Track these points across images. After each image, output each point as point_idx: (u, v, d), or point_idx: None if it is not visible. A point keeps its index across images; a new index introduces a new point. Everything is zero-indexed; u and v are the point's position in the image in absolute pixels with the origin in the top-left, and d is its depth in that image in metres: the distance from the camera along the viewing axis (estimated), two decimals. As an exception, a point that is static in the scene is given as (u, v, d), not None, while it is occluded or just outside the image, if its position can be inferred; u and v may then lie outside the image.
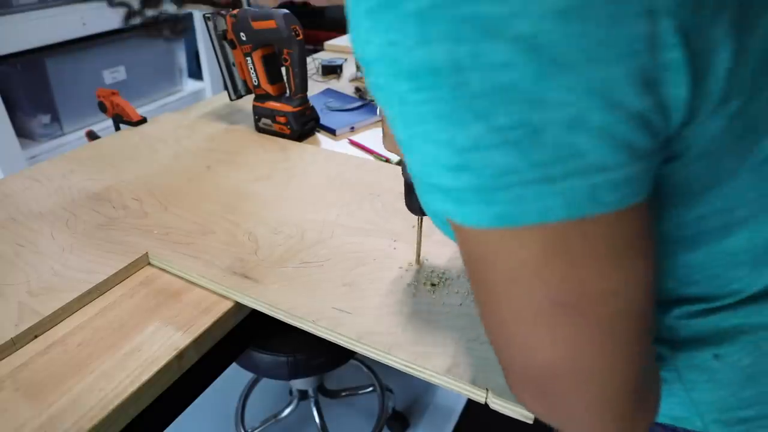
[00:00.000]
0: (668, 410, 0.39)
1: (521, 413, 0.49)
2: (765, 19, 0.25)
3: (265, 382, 1.58)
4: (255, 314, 0.68)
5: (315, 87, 1.38)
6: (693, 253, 0.32)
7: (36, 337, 0.61)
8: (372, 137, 1.10)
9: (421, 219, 0.64)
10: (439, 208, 0.27)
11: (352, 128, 1.13)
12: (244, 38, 1.03)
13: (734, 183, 0.29)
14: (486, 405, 0.51)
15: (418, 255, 0.67)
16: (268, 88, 1.07)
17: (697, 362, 0.36)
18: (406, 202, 0.61)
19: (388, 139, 0.52)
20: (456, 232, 0.28)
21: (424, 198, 0.28)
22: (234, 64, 1.09)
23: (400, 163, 0.56)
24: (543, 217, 0.24)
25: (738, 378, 0.35)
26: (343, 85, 1.42)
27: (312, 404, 1.36)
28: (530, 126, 0.22)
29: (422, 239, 0.66)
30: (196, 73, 2.18)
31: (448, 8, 0.22)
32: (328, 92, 1.34)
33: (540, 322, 0.27)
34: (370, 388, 1.50)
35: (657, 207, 0.30)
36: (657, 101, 0.23)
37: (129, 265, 0.70)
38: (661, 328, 0.37)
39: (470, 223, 0.26)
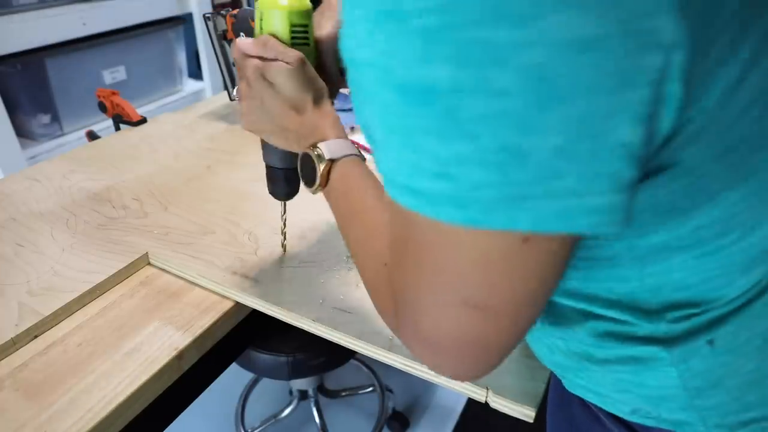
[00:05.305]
0: (669, 414, 0.38)
1: (522, 412, 0.49)
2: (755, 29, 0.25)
3: (265, 382, 1.58)
4: (255, 314, 0.68)
5: (315, 87, 1.37)
6: (693, 258, 0.33)
7: (36, 337, 0.61)
8: (372, 137, 1.09)
9: (285, 204, 0.66)
10: (404, 203, 0.27)
11: (352, 128, 1.13)
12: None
13: (724, 199, 0.30)
14: (486, 404, 0.51)
15: (284, 240, 0.70)
16: (268, 88, 1.06)
17: (700, 368, 0.36)
18: (269, 188, 0.62)
19: (247, 119, 0.51)
20: (398, 215, 0.28)
21: (386, 188, 0.28)
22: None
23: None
24: (509, 225, 0.24)
25: (742, 382, 0.35)
26: (343, 85, 1.41)
27: (312, 404, 1.36)
28: (517, 150, 0.22)
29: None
30: (196, 73, 2.18)
31: (457, 30, 0.21)
32: (328, 92, 1.33)
33: (446, 311, 0.29)
34: (370, 388, 1.50)
35: (647, 223, 0.30)
36: (649, 132, 0.23)
37: (129, 265, 0.70)
38: (654, 332, 0.37)
39: (440, 219, 0.26)
